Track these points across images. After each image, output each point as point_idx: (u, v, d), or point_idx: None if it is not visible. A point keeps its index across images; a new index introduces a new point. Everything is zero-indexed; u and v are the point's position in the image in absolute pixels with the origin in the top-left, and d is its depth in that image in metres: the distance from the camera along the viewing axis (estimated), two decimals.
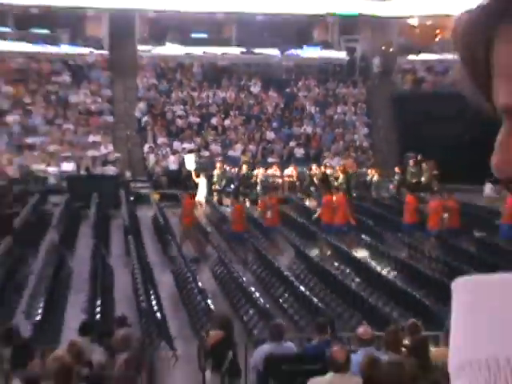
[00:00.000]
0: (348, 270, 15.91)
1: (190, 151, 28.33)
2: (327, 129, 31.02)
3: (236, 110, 31.13)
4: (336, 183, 24.70)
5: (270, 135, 30.16)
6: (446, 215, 17.98)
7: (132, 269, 14.90)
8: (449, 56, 33.42)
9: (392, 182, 26.42)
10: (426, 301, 12.70)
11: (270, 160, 28.45)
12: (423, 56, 34.03)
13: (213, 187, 24.92)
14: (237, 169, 26.26)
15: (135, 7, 32.50)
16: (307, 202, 25.15)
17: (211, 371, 8.96)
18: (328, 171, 26.48)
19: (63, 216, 20.54)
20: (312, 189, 26.04)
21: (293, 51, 33.86)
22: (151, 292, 12.99)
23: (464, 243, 17.87)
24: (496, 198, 20.99)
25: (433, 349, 7.37)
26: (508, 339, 0.69)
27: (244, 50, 33.62)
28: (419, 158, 26.68)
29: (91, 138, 28.74)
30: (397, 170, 26.48)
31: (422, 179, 26.28)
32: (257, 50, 33.58)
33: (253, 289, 13.55)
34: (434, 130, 26.62)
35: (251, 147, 29.26)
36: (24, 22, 32.44)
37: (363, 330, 8.36)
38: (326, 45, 34.91)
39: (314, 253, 17.25)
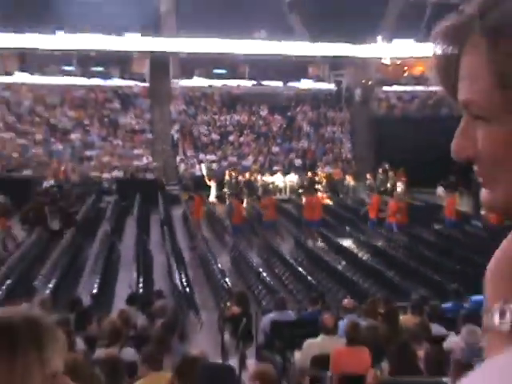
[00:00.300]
0: (336, 256, 15.89)
1: (212, 162, 28.33)
2: (320, 144, 30.95)
3: (248, 129, 31.10)
4: (320, 187, 24.70)
5: (275, 149, 30.12)
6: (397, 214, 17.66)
7: (167, 253, 14.93)
8: (414, 88, 33.47)
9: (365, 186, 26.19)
10: (395, 278, 12.69)
11: (274, 168, 28.42)
12: (395, 88, 33.96)
13: (223, 190, 24.80)
14: (242, 175, 26.17)
15: (170, 50, 32.51)
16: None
17: (229, 335, 8.97)
18: (317, 178, 26.49)
19: (114, 212, 20.56)
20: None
21: (292, 83, 33.81)
22: (181, 271, 12.99)
23: (425, 233, 17.81)
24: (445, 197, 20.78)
25: (401, 317, 7.35)
26: None
27: (254, 82, 33.58)
28: (386, 167, 26.62)
29: (135, 151, 28.76)
30: (368, 176, 26.41)
31: (388, 185, 26.14)
32: (264, 83, 33.54)
33: (261, 269, 13.54)
34: (402, 145, 26.54)
35: (260, 158, 29.23)
36: (84, 62, 32.51)
37: (347, 301, 8.37)
38: (319, 78, 34.85)
39: (308, 242, 17.21)
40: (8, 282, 11.57)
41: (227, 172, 25.72)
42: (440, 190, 22.84)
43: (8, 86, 31.22)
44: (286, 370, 7.18)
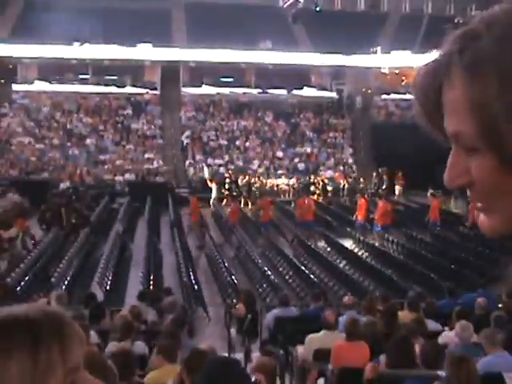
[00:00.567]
0: (337, 255, 15.87)
1: (220, 165, 28.33)
2: (322, 149, 30.93)
3: (254, 134, 31.10)
4: (317, 190, 24.73)
5: (280, 154, 30.10)
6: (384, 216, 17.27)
7: (176, 252, 14.93)
8: (410, 96, 33.38)
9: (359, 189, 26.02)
10: (393, 277, 12.67)
11: (279, 172, 28.42)
12: (393, 96, 33.95)
13: (224, 192, 24.83)
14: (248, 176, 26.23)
15: (180, 59, 32.59)
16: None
17: (235, 330, 8.96)
18: (326, 181, 26.54)
19: (126, 213, 20.59)
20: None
21: (296, 91, 33.80)
22: (190, 269, 12.99)
23: (421, 234, 17.70)
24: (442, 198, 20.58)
25: (399, 313, 7.34)
26: None
27: (260, 90, 33.61)
28: (380, 171, 26.62)
29: (146, 156, 28.80)
30: (362, 179, 26.38)
31: (383, 187, 26.08)
32: (270, 91, 33.57)
33: (266, 268, 13.53)
34: (400, 150, 26.50)
35: (265, 162, 29.23)
36: (99, 71, 32.62)
37: (347, 298, 8.37)
38: (321, 87, 34.85)
39: (311, 242, 17.16)
40: (26, 278, 11.60)
41: (227, 175, 25.81)
42: (430, 192, 22.72)
43: (28, 94, 31.34)
44: (289, 364, 7.19)
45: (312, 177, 26.63)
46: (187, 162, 28.78)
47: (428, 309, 7.78)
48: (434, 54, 0.76)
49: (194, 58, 32.54)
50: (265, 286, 12.43)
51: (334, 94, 34.52)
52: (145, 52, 32.05)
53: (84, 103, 31.34)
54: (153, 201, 22.23)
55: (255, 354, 7.85)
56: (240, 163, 28.96)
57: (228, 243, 17.88)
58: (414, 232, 17.77)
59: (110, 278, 12.03)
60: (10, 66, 32.04)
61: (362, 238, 17.06)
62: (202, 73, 33.45)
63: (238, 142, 30.45)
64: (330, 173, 28.49)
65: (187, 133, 30.48)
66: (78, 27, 30.28)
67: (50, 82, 31.86)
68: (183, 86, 33.19)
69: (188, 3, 34.80)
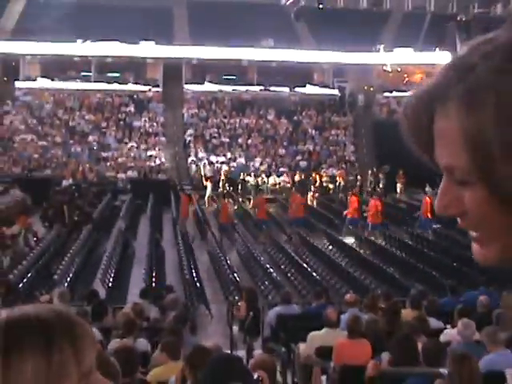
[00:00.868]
0: (339, 253, 15.86)
1: (222, 163, 28.34)
2: (324, 147, 30.90)
3: (256, 132, 31.09)
4: (313, 187, 24.80)
5: (282, 151, 30.09)
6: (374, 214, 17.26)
7: (178, 249, 14.93)
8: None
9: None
10: (395, 275, 12.66)
11: (281, 169, 28.41)
12: (395, 93, 33.89)
13: (219, 190, 24.88)
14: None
15: (182, 56, 32.58)
16: (309, 201, 25.10)
17: (238, 328, 8.96)
18: (325, 178, 26.55)
19: (128, 210, 20.59)
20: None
21: (298, 89, 33.77)
22: (192, 267, 12.99)
23: (424, 232, 17.66)
24: (434, 196, 20.53)
25: (401, 311, 7.33)
26: None
27: (262, 87, 33.57)
28: (374, 169, 26.62)
29: (149, 153, 28.80)
30: (358, 177, 26.34)
31: (380, 185, 26.03)
32: (272, 88, 33.52)
33: (268, 265, 13.53)
34: (402, 148, 26.26)
35: (268, 160, 29.22)
36: (102, 68, 32.62)
37: (349, 296, 8.36)
38: (323, 84, 34.79)
39: (312, 240, 17.15)
40: (29, 275, 11.62)
41: (222, 172, 25.86)
42: (428, 189, 22.69)
43: (30, 91, 31.36)
44: (291, 361, 7.19)
45: (303, 175, 26.59)
46: (189, 160, 28.78)
47: (430, 307, 7.77)
48: (425, 84, 0.73)
49: (197, 56, 32.53)
50: (267, 283, 12.44)
51: (336, 92, 34.47)
52: (147, 49, 32.05)
53: (86, 100, 31.35)
54: (155, 198, 22.23)
55: (257, 352, 7.86)
56: (242, 160, 28.95)
57: (231, 240, 17.87)
58: (416, 229, 17.75)
59: (113, 275, 12.04)
60: (13, 64, 32.05)
61: (353, 235, 17.03)
62: (204, 70, 33.43)
63: (240, 140, 30.43)
64: (332, 170, 28.48)
65: (190, 131, 30.45)
66: (81, 25, 30.27)
67: (52, 80, 31.86)
68: (185, 84, 33.18)
69: (190, 1, 34.78)
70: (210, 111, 32.17)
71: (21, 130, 29.06)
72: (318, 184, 25.56)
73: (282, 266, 14.54)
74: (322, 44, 32.38)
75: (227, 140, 30.32)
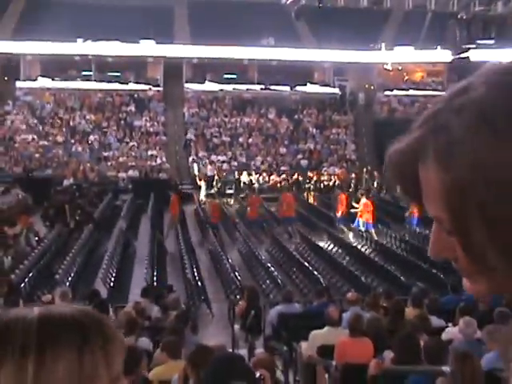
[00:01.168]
0: (340, 251, 15.86)
1: (223, 162, 28.35)
2: (325, 145, 30.91)
3: (257, 131, 31.10)
4: (310, 186, 24.84)
5: (283, 150, 30.10)
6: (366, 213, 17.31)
7: (179, 248, 14.94)
8: (413, 92, 33.42)
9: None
10: (397, 273, 12.65)
11: (282, 168, 28.42)
12: (395, 92, 33.90)
13: (213, 189, 24.92)
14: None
15: (183, 56, 32.59)
16: (310, 200, 25.12)
17: (239, 327, 8.96)
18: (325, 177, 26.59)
19: (129, 209, 20.60)
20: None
21: (299, 88, 33.76)
22: (194, 266, 13.00)
23: (425, 230, 17.60)
24: None
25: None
26: None
27: (263, 86, 33.56)
28: (369, 168, 26.64)
29: (150, 152, 28.82)
30: (353, 176, 26.32)
31: (375, 184, 26.01)
32: (272, 87, 33.51)
33: (269, 264, 13.53)
34: None
35: (268, 159, 29.23)
36: (102, 67, 32.60)
37: (351, 294, 8.37)
38: (324, 83, 34.79)
39: (314, 238, 17.14)
40: (30, 275, 11.63)
41: (216, 172, 25.92)
42: None
43: (31, 91, 31.38)
44: (293, 360, 7.19)
45: (300, 174, 26.61)
46: (190, 159, 28.79)
47: (431, 305, 7.77)
48: (404, 138, 0.73)
49: (197, 55, 32.52)
50: (268, 282, 12.44)
51: (336, 91, 34.46)
52: (148, 48, 32.05)
53: (87, 100, 31.37)
54: (156, 197, 22.23)
55: (259, 351, 7.86)
56: (243, 160, 28.96)
57: (232, 239, 17.90)
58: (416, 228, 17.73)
59: (114, 274, 12.05)
60: (13, 63, 32.05)
61: (339, 233, 17.03)
62: (204, 69, 33.42)
63: (241, 139, 30.44)
64: (333, 169, 28.49)
65: (190, 134, 30.40)
66: (81, 24, 30.27)
67: (53, 79, 31.86)
68: (186, 83, 33.18)
69: (190, 0, 34.77)
70: (211, 110, 32.18)
71: (22, 130, 29.09)
72: (313, 182, 25.61)
73: (283, 265, 14.54)
74: (322, 43, 32.37)
75: (228, 139, 30.33)
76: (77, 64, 32.32)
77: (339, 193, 20.17)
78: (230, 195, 24.54)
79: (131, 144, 29.12)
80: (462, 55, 29.60)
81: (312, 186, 25.64)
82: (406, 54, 32.75)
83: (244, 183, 25.73)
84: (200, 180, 24.49)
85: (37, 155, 27.50)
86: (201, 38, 31.21)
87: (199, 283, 11.74)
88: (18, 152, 27.66)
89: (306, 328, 6.89)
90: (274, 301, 10.10)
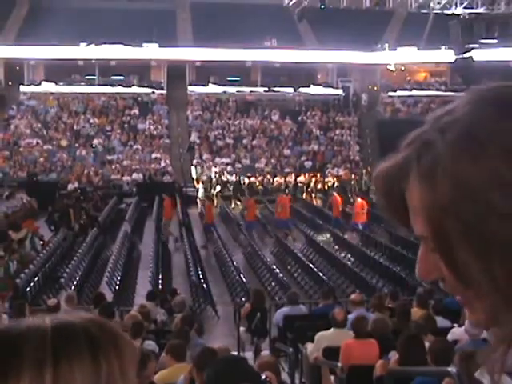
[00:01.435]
0: (345, 253, 15.83)
1: (227, 164, 28.36)
2: (329, 147, 30.90)
3: (261, 133, 31.10)
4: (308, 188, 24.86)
5: (287, 152, 30.10)
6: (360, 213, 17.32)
7: (184, 251, 14.93)
8: (417, 93, 33.37)
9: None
10: (402, 274, 12.61)
11: (286, 170, 28.40)
12: (399, 93, 33.86)
13: (212, 191, 24.95)
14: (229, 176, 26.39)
15: (186, 59, 32.63)
16: (314, 202, 25.11)
17: (245, 329, 8.95)
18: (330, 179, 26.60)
19: (134, 213, 20.62)
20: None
21: (302, 89, 33.76)
22: (199, 268, 13.00)
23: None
24: None
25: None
26: None
27: (266, 88, 33.58)
28: (369, 169, 26.61)
29: (154, 155, 28.85)
30: (353, 176, 26.27)
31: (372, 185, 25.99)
32: (276, 89, 33.53)
33: (274, 266, 13.50)
34: None
35: (272, 161, 29.23)
36: (106, 71, 32.68)
37: (355, 296, 8.35)
38: (327, 84, 34.77)
39: (318, 239, 17.10)
40: (36, 279, 11.65)
41: (215, 174, 25.95)
42: None
43: (35, 95, 31.47)
44: (298, 361, 7.19)
45: (288, 177, 26.62)
46: (194, 161, 28.80)
47: (437, 306, 7.74)
48: (391, 158, 0.73)
49: (200, 58, 32.56)
50: (273, 284, 12.42)
51: (340, 92, 34.44)
52: (151, 52, 32.10)
53: (91, 104, 31.44)
54: (160, 200, 22.22)
55: (265, 353, 7.86)
56: (247, 162, 28.97)
57: (236, 241, 17.88)
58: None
59: (119, 278, 12.06)
60: (17, 68, 32.15)
61: (338, 233, 17.03)
62: (208, 72, 33.45)
63: (244, 141, 30.45)
64: (337, 170, 28.47)
65: (193, 137, 30.40)
66: (84, 28, 30.35)
67: (56, 83, 31.95)
68: (189, 86, 33.22)
69: (193, 3, 34.82)
70: (215, 113, 32.20)
71: (26, 135, 29.17)
72: (313, 184, 25.61)
73: (288, 267, 14.52)
74: (325, 44, 32.36)
75: (232, 141, 30.34)
76: (80, 68, 32.40)
77: (333, 194, 20.15)
78: (229, 197, 24.52)
79: (135, 147, 29.16)
80: (465, 55, 29.53)
81: (314, 188, 25.60)
82: (408, 55, 32.72)
83: (245, 185, 25.70)
84: (198, 183, 24.54)
85: (41, 159, 27.57)
86: (204, 40, 31.26)
87: (204, 286, 11.73)
88: (22, 156, 27.74)
89: (312, 330, 6.88)
90: (280, 303, 10.09)
